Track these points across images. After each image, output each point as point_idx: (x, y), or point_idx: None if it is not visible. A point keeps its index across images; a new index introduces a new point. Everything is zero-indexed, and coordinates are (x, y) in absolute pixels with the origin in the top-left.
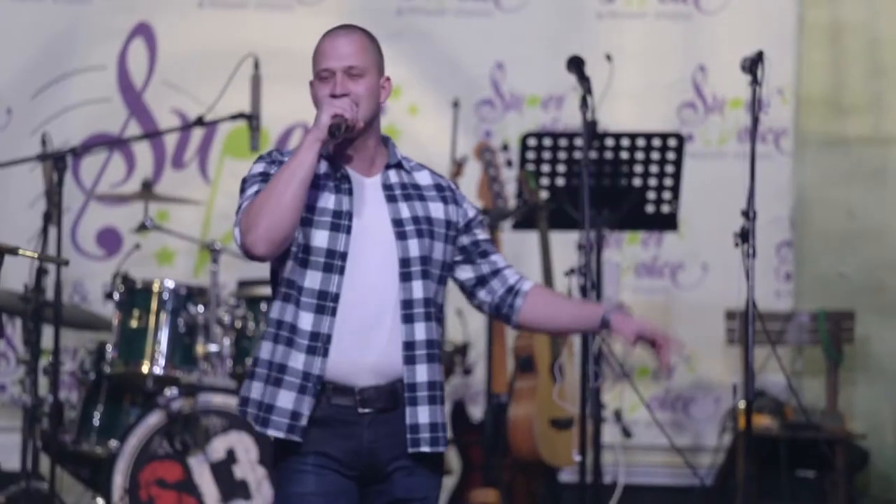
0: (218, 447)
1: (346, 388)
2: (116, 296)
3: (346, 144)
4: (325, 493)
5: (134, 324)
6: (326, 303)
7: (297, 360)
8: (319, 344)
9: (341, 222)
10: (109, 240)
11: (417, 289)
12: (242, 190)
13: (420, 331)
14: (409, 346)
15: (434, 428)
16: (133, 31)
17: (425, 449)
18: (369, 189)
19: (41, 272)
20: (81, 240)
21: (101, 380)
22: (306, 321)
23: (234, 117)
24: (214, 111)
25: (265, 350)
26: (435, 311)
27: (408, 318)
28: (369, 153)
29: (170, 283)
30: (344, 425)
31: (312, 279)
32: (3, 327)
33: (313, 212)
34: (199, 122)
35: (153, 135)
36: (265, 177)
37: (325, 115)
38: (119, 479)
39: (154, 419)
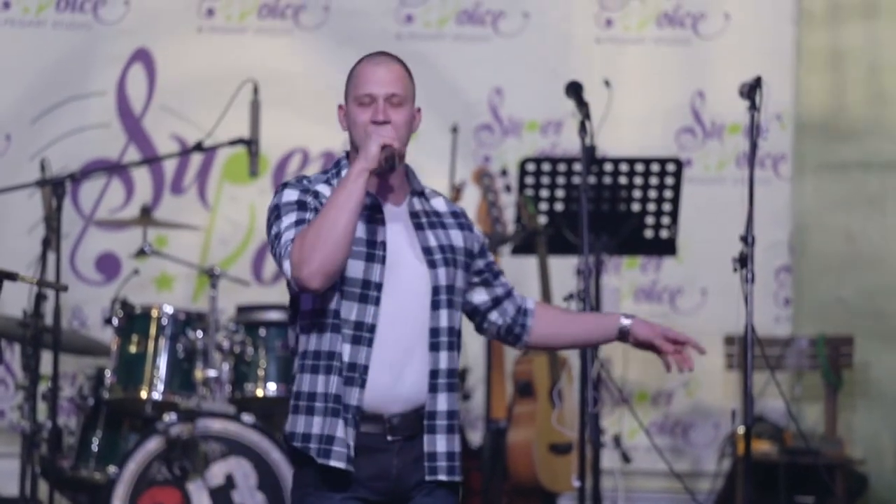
0: (217, 472)
1: (375, 415)
2: (115, 321)
3: (382, 175)
4: None
5: (133, 349)
6: (363, 333)
7: (343, 391)
8: (356, 375)
9: (376, 252)
10: (108, 265)
11: (444, 317)
12: (277, 217)
13: (444, 359)
14: (433, 374)
15: (451, 457)
16: (132, 57)
17: (442, 477)
18: (399, 218)
19: (40, 298)
20: (80, 265)
21: (99, 405)
22: (346, 352)
23: (234, 143)
24: (213, 136)
25: (321, 383)
26: (457, 340)
27: (434, 347)
28: (397, 182)
29: (168, 309)
30: (373, 452)
31: (348, 310)
32: (2, 353)
33: None
34: (198, 147)
35: (152, 160)
36: (301, 205)
37: (374, 145)
38: None
39: (153, 445)
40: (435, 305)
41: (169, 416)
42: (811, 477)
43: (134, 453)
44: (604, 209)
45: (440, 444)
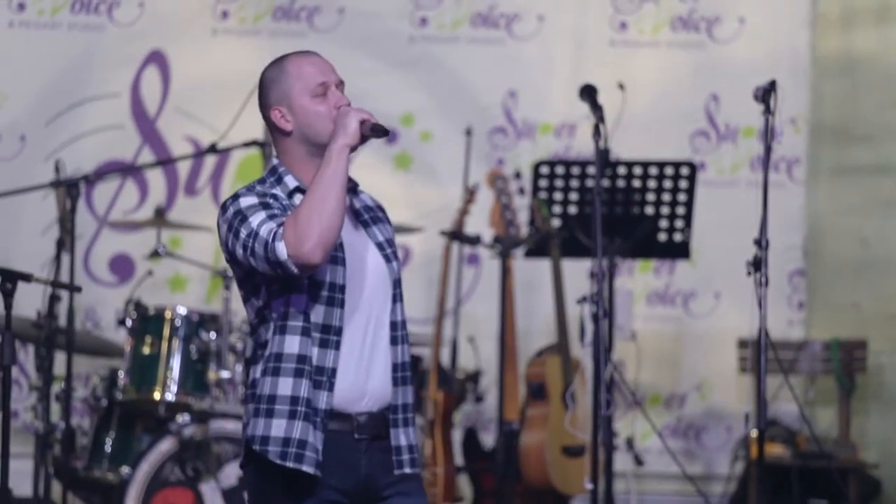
0: (230, 473)
1: (343, 414)
2: (129, 322)
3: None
4: None
5: (146, 350)
6: (330, 336)
7: (312, 394)
8: (324, 378)
9: (337, 254)
10: (122, 266)
11: (399, 311)
12: (243, 220)
13: (401, 353)
14: (395, 367)
15: (411, 450)
16: (147, 59)
17: (407, 470)
18: (346, 216)
19: (54, 299)
20: (94, 266)
21: (113, 406)
22: (314, 355)
23: (247, 144)
24: (227, 138)
25: (283, 385)
26: (408, 333)
27: (394, 340)
28: None
29: (182, 310)
30: (341, 452)
31: (316, 313)
32: (16, 354)
33: None
34: (212, 149)
35: (166, 162)
36: (265, 205)
37: (353, 120)
38: None
39: (166, 446)
40: (394, 299)
41: (182, 417)
42: (824, 481)
43: (147, 454)
44: (617, 212)
45: (402, 437)
